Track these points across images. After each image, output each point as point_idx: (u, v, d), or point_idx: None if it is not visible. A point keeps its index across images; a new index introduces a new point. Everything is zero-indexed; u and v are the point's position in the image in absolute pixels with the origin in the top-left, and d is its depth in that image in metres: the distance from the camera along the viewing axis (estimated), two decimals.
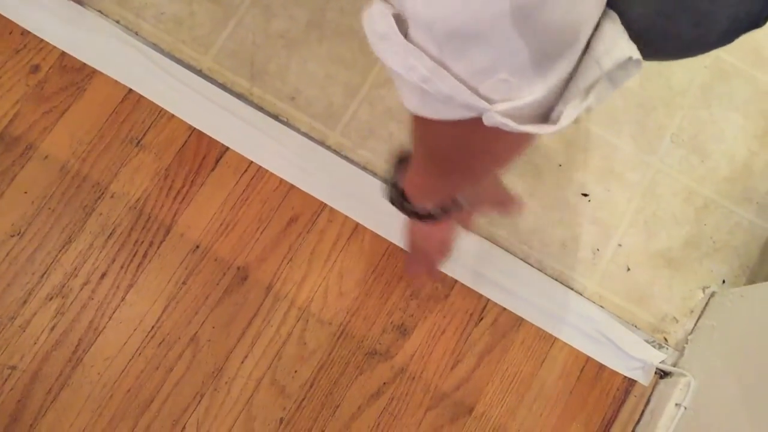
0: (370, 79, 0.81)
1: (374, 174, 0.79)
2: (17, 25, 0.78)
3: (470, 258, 0.77)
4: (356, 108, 0.80)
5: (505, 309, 0.77)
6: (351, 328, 0.76)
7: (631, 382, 0.77)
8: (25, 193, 0.75)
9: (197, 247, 0.76)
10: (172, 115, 0.78)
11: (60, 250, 0.74)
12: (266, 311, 0.75)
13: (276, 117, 0.79)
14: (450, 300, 0.77)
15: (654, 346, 0.77)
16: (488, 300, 0.77)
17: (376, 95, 0.81)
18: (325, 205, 0.78)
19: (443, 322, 0.77)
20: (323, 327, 0.75)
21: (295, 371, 0.74)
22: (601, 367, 0.77)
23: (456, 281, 0.77)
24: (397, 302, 0.77)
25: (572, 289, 0.78)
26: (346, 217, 0.78)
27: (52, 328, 0.73)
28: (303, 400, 0.74)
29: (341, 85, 0.81)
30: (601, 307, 0.78)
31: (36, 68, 0.78)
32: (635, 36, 0.46)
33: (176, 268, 0.75)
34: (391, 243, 0.78)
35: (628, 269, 0.79)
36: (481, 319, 0.77)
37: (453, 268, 0.77)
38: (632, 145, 0.82)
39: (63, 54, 0.78)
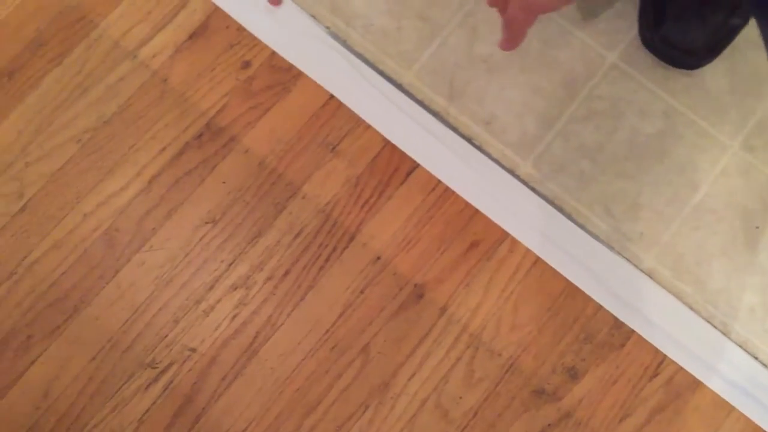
0: (568, 113, 0.80)
1: (561, 209, 0.78)
2: (234, 21, 0.81)
3: (651, 310, 0.75)
4: (550, 140, 0.79)
5: (682, 368, 0.75)
6: (520, 363, 0.75)
7: None
8: (224, 183, 0.78)
9: (378, 258, 0.76)
10: (369, 125, 0.79)
11: (249, 243, 0.76)
12: (438, 332, 0.75)
13: (469, 140, 0.79)
14: (626, 350, 0.75)
15: None
16: (665, 356, 0.75)
17: (572, 130, 0.79)
18: (508, 234, 0.77)
19: (616, 372, 0.75)
20: (493, 357, 0.75)
21: (460, 397, 0.74)
22: None
23: (633, 332, 0.75)
24: (571, 344, 0.75)
25: (757, 359, 0.75)
26: (528, 249, 0.77)
27: (234, 317, 0.75)
28: (465, 427, 0.73)
29: (537, 116, 0.80)
30: None
31: (247, 64, 0.80)
32: None
33: (356, 277, 0.76)
34: (569, 282, 0.76)
35: None
36: (656, 374, 0.74)
37: (632, 318, 0.75)
38: None
39: (273, 53, 0.81)
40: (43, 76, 0.79)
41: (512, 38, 0.54)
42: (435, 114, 0.80)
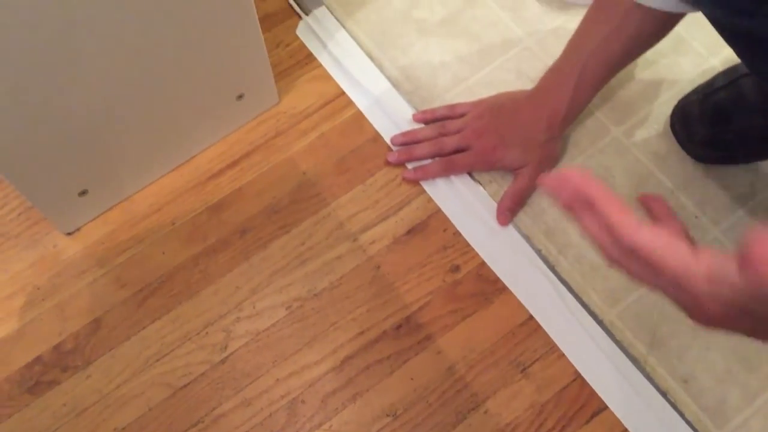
0: None
1: None
2: (452, 225, 0.86)
3: None
4: (749, 416, 0.76)
5: None
6: None
7: None
8: (411, 379, 0.79)
9: None
10: (563, 354, 0.80)
11: None
12: None
13: (664, 394, 0.77)
14: None
15: None
16: None
17: None
18: None
19: None
20: None
21: None
22: None
23: None
24: None
25: None
26: None
27: None
28: None
29: (739, 386, 0.77)
30: None
31: (456, 268, 0.84)
32: None
33: None
34: None
35: None
36: None
37: None
38: None
39: (483, 263, 0.84)
40: (271, 241, 0.85)
41: None
42: (632, 359, 0.79)
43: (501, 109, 0.85)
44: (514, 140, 0.83)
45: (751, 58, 0.62)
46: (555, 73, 0.80)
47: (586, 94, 0.79)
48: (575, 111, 0.81)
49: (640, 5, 0.68)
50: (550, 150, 0.84)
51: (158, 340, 0.81)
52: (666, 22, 0.71)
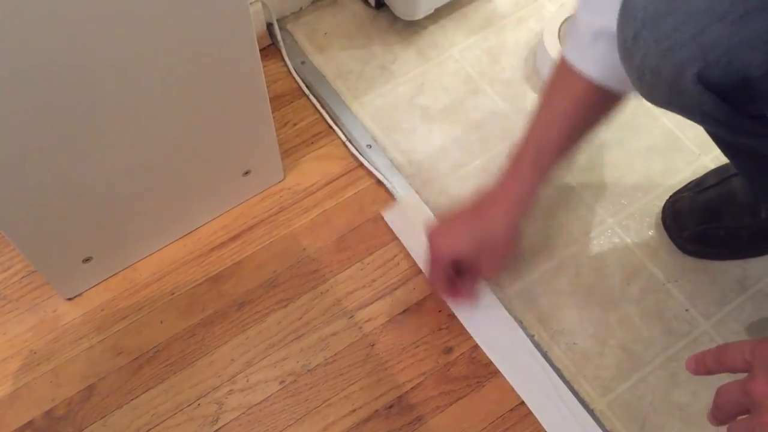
0: None
1: None
2: (447, 307, 0.87)
3: None
4: None
5: None
6: None
7: None
8: None
9: None
10: None
11: None
12: None
13: None
14: None
15: None
16: None
17: None
18: None
19: None
20: None
21: None
22: None
23: None
24: None
25: None
26: None
27: None
28: None
29: None
30: None
31: (449, 350, 0.85)
32: None
33: None
34: None
35: None
36: None
37: None
38: None
39: (476, 346, 0.85)
40: (268, 315, 0.86)
41: None
42: None
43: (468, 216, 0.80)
44: (476, 241, 0.78)
45: (752, 173, 0.64)
46: (512, 160, 0.76)
47: (543, 177, 0.76)
48: (533, 198, 0.77)
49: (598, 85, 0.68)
50: (511, 244, 0.80)
51: (150, 410, 0.81)
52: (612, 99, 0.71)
